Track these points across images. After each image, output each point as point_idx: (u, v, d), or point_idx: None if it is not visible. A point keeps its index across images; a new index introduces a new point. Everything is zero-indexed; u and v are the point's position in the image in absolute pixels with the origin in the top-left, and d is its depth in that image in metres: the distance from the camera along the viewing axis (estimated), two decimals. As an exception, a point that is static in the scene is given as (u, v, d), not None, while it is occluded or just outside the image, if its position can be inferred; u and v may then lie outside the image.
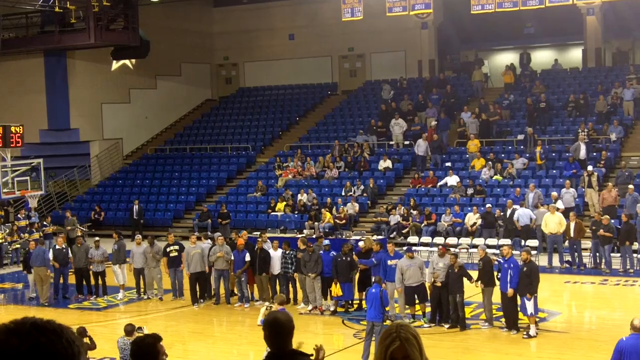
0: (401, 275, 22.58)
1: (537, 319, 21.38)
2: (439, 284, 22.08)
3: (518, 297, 21.18)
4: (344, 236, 30.66)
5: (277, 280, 25.96)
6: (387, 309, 20.97)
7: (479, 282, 22.00)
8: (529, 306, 20.94)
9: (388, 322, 21.37)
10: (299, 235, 29.94)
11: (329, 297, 24.77)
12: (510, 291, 20.95)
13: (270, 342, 5.89)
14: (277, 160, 43.97)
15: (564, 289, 27.63)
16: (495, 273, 21.87)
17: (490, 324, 21.98)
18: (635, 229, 29.90)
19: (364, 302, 24.42)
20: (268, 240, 26.78)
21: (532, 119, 40.91)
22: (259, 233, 29.75)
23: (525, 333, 21.07)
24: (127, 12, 42.71)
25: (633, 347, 13.89)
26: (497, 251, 22.55)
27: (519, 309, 21.41)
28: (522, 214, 32.29)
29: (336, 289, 24.33)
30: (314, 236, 29.38)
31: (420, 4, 42.00)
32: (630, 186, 33.00)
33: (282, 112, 51.03)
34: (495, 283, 21.75)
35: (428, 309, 22.86)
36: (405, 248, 24.60)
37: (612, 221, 29.62)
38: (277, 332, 5.83)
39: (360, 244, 25.61)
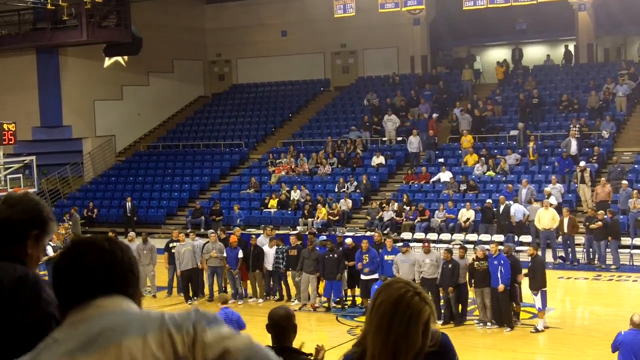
0: (397, 271, 22.65)
1: (531, 313, 21.45)
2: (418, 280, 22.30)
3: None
4: (336, 232, 30.66)
5: (270, 277, 26.04)
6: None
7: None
8: (537, 301, 21.09)
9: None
10: (292, 232, 30.01)
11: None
12: (501, 287, 21.01)
13: (272, 337, 5.92)
14: (270, 157, 43.92)
15: (558, 284, 27.63)
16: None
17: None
18: (619, 224, 29.94)
19: (358, 298, 24.48)
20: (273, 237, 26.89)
21: (524, 115, 40.93)
22: (263, 227, 29.68)
23: (533, 327, 21.23)
24: (119, 9, 42.65)
25: (631, 342, 14.06)
26: (486, 247, 22.56)
27: (513, 304, 21.54)
28: (516, 210, 32.36)
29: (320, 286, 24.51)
30: (306, 233, 29.43)
31: (413, 0, 42.06)
32: (624, 182, 33.05)
33: (275, 109, 51.00)
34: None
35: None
36: (401, 243, 24.60)
37: (605, 217, 29.66)
38: (277, 327, 5.86)
39: (348, 240, 25.68)
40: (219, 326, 2.84)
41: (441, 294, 22.35)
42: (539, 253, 22.50)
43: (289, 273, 25.42)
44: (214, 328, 2.82)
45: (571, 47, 48.97)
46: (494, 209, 33.20)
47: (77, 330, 2.76)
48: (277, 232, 29.91)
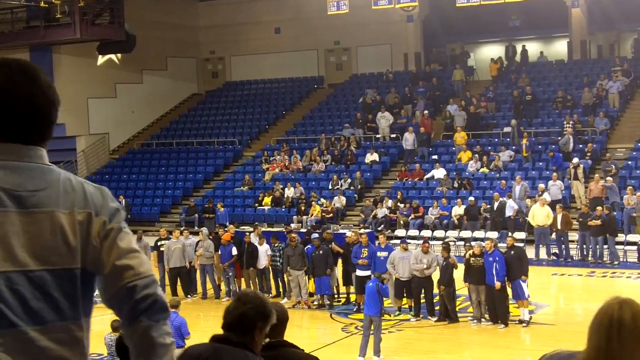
0: (392, 267, 22.62)
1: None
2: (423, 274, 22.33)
3: (509, 284, 21.44)
4: (331, 230, 30.65)
5: (264, 275, 25.99)
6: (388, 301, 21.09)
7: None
8: (525, 288, 21.18)
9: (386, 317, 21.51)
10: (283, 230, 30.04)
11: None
12: (497, 284, 21.02)
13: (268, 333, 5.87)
14: (265, 154, 43.82)
15: (551, 281, 27.72)
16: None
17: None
18: (615, 220, 29.96)
19: (352, 295, 24.44)
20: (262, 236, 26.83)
21: (518, 112, 40.96)
22: (252, 228, 29.46)
23: (517, 320, 21.31)
24: (112, 7, 42.59)
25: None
26: (483, 244, 22.55)
27: (509, 299, 21.60)
28: (509, 206, 32.39)
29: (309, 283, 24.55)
30: (302, 230, 29.41)
31: (406, -3, 42.19)
32: (609, 178, 33.10)
33: (269, 106, 50.98)
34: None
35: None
36: (400, 240, 24.54)
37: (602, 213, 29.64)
38: (278, 324, 5.83)
39: (348, 234, 25.69)
40: (128, 230, 3.14)
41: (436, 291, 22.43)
42: (516, 244, 22.68)
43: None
44: (126, 230, 3.13)
45: (529, 47, 49.52)
46: (481, 206, 33.33)
47: (6, 178, 2.93)
48: (270, 229, 29.91)
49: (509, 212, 32.32)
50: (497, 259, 21.21)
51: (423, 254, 22.49)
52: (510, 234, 31.21)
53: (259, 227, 28.19)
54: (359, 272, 23.46)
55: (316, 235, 26.08)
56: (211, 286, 26.46)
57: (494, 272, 21.07)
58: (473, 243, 23.61)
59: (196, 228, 35.25)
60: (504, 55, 49.56)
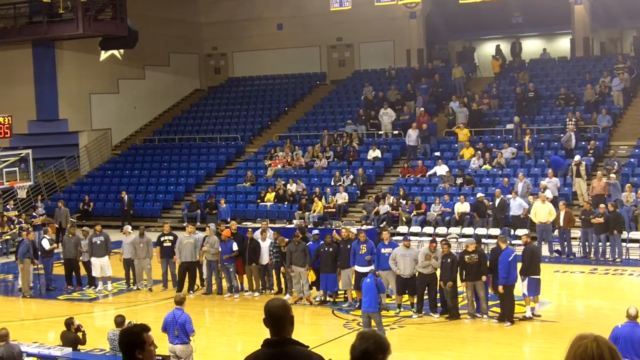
0: (394, 263, 22.61)
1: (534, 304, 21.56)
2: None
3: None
4: (332, 226, 30.64)
5: (266, 271, 25.96)
6: (386, 298, 20.93)
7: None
8: (523, 286, 21.20)
9: (384, 312, 21.52)
10: (289, 226, 29.98)
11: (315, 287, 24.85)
12: (500, 288, 20.99)
13: (270, 329, 5.89)
14: (271, 151, 43.68)
15: (554, 278, 27.67)
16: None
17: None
18: (621, 216, 29.93)
19: (353, 292, 24.40)
20: (270, 230, 26.77)
21: (520, 109, 40.92)
22: (262, 224, 29.31)
23: (521, 316, 21.38)
24: (115, 2, 42.56)
25: (628, 335, 14.11)
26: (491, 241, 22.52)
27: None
28: (519, 203, 32.23)
29: (310, 275, 24.48)
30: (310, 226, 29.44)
31: (409, -7, 42.14)
32: (612, 175, 33.07)
33: (271, 102, 50.98)
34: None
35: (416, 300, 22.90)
36: (402, 237, 24.48)
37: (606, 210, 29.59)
38: (275, 317, 5.84)
39: (353, 229, 25.70)
40: None
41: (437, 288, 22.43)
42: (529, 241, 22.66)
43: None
44: None
45: (532, 44, 49.66)
46: (490, 202, 33.24)
47: None
48: (272, 225, 29.85)
49: (518, 211, 32.13)
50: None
51: (431, 252, 22.39)
52: (512, 231, 31.36)
53: (264, 223, 27.96)
54: (359, 269, 23.42)
55: (317, 231, 26.11)
56: (215, 282, 26.41)
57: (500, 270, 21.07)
58: (463, 239, 23.51)
59: (198, 224, 35.27)
60: (510, 52, 49.43)
